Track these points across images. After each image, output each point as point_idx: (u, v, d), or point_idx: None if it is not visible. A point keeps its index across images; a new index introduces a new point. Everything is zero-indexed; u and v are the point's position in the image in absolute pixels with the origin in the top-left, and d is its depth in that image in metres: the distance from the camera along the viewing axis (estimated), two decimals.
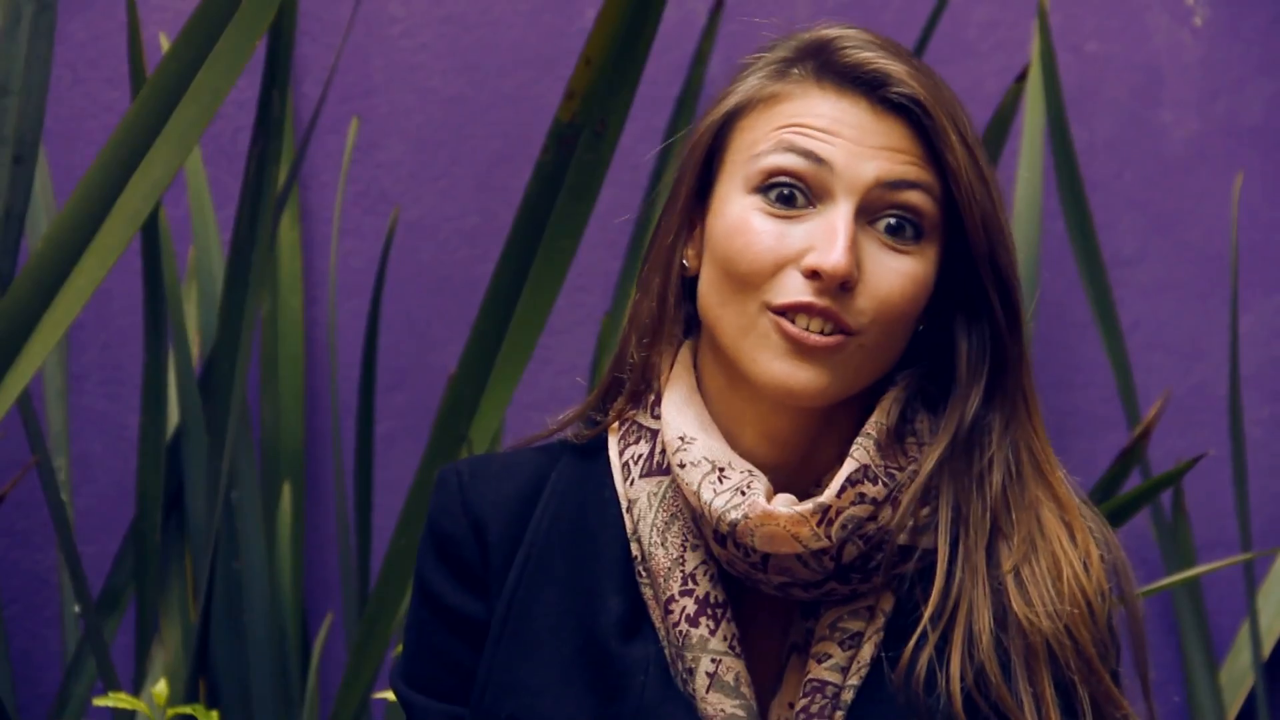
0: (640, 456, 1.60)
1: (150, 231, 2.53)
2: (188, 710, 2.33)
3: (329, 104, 2.99)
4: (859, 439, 1.55)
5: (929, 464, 1.55)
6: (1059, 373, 3.02)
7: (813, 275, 1.51)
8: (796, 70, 1.57)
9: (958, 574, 1.54)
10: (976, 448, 1.56)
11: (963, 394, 1.57)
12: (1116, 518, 2.43)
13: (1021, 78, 2.86)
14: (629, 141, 2.48)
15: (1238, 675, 2.94)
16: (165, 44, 2.96)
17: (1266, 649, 2.92)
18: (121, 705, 2.29)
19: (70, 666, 2.72)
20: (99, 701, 2.35)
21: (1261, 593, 2.94)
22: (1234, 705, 2.92)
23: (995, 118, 2.84)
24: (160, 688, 2.35)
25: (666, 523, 1.57)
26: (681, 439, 1.56)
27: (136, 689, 2.69)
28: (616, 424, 1.63)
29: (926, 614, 1.53)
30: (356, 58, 3.01)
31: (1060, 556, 1.55)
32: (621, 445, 1.62)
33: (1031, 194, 2.91)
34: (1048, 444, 1.59)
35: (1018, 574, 1.54)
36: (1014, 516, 1.56)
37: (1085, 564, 1.55)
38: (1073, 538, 1.56)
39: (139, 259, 2.56)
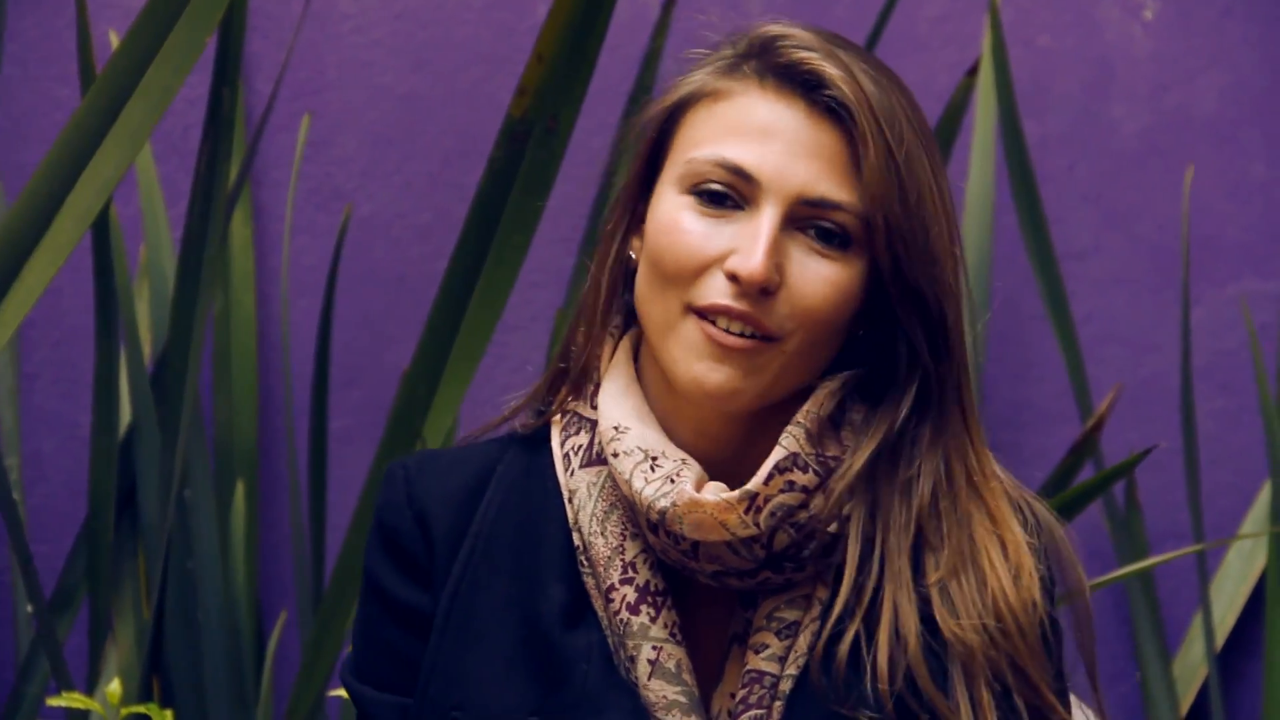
0: (580, 447, 1.61)
1: (101, 229, 2.52)
2: (142, 709, 2.32)
3: (280, 101, 2.98)
4: (789, 427, 1.55)
5: (860, 459, 1.55)
6: (1012, 367, 3.03)
7: (733, 279, 1.52)
8: (743, 67, 1.57)
9: (873, 571, 1.54)
10: (904, 456, 1.57)
11: (894, 399, 1.57)
12: (1069, 510, 2.43)
13: (973, 72, 2.87)
14: (581, 137, 2.47)
15: (1191, 667, 2.95)
16: (115, 41, 2.94)
17: (1219, 640, 2.93)
18: (75, 705, 2.28)
19: (23, 666, 2.71)
20: (52, 701, 2.34)
21: (1214, 584, 2.96)
22: (1187, 697, 2.93)
23: (947, 112, 2.85)
24: (114, 687, 2.34)
25: (606, 512, 1.58)
26: (616, 429, 1.57)
27: (90, 688, 2.68)
28: (559, 415, 1.64)
29: (837, 607, 1.53)
30: (308, 54, 3.00)
31: (988, 570, 1.55)
32: (563, 436, 1.63)
33: (983, 188, 2.92)
34: (985, 457, 1.59)
35: (944, 587, 1.54)
36: (944, 529, 1.56)
37: (1015, 577, 1.56)
38: (1004, 551, 1.56)
39: (90, 257, 2.54)
